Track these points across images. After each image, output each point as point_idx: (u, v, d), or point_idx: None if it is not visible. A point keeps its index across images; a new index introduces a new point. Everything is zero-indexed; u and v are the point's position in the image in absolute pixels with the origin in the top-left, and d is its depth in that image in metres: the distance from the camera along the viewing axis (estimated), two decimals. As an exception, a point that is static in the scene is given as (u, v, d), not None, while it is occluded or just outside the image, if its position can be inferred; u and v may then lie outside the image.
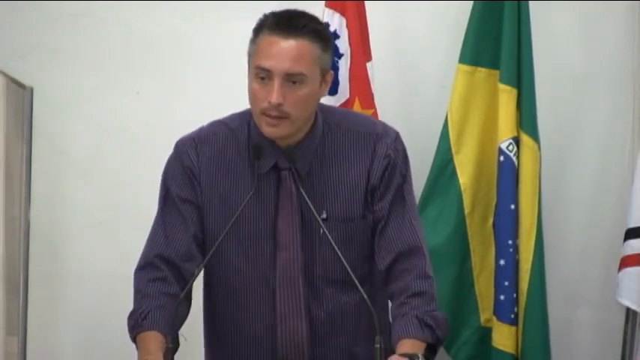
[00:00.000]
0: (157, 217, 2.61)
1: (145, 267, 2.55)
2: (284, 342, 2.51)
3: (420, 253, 2.55)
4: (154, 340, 2.43)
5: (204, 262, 2.47)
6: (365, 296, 2.35)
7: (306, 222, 2.52)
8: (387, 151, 2.56)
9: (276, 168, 2.52)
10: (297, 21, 2.45)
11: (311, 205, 2.46)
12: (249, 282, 2.54)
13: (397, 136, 2.61)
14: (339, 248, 2.43)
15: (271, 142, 2.51)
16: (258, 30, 2.48)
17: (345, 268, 2.44)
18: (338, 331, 2.55)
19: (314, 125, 2.54)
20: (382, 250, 2.54)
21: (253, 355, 2.55)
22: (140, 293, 2.53)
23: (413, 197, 2.62)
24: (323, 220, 2.49)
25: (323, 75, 2.50)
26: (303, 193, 2.47)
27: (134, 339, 2.50)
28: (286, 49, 2.43)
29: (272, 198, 2.52)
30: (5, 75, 3.60)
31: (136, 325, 2.48)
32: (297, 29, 2.44)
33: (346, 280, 2.51)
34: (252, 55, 2.48)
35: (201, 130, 2.62)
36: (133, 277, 2.57)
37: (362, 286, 2.50)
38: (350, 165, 2.55)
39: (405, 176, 2.59)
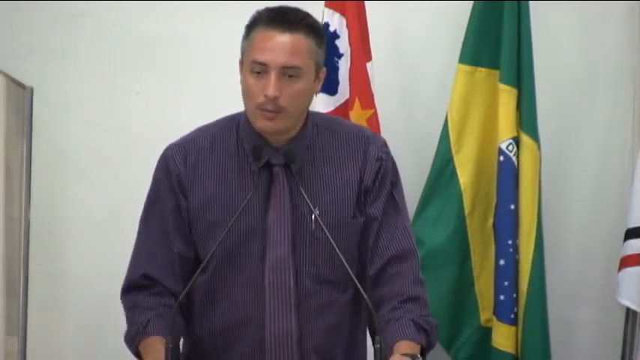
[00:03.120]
0: (139, 230, 2.60)
1: (135, 288, 2.56)
2: (272, 339, 2.49)
3: (414, 257, 2.55)
4: (159, 342, 2.42)
5: (202, 266, 2.45)
6: (365, 297, 2.34)
7: (298, 219, 2.50)
8: (379, 153, 2.57)
9: (268, 165, 2.51)
10: (292, 16, 2.46)
11: (306, 198, 2.45)
12: (237, 279, 2.52)
13: (385, 143, 2.62)
14: (329, 247, 2.43)
15: (264, 140, 2.51)
16: (252, 26, 2.48)
17: (335, 268, 2.47)
18: (326, 330, 2.53)
19: (305, 124, 2.54)
20: (374, 254, 2.53)
21: (240, 351, 2.52)
22: (138, 307, 2.53)
23: (404, 202, 2.62)
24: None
25: (317, 71, 2.50)
26: (302, 190, 2.46)
27: (136, 351, 2.50)
28: (282, 42, 2.43)
29: (263, 195, 2.50)
30: (5, 75, 3.60)
31: (138, 334, 2.49)
32: (293, 23, 2.44)
33: (335, 281, 2.52)
34: (246, 50, 2.48)
35: (187, 135, 2.61)
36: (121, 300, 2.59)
37: (348, 289, 2.54)
38: (341, 164, 2.55)
39: (396, 182, 2.59)
